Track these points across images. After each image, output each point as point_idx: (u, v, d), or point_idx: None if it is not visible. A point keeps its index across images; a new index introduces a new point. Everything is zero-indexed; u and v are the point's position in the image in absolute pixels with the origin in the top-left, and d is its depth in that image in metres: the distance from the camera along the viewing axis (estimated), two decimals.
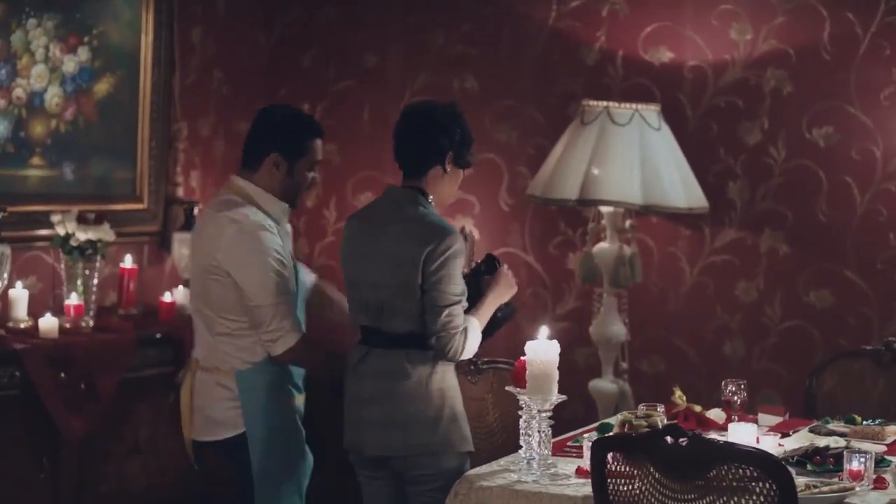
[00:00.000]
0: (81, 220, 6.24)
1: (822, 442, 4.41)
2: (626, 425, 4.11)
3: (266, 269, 4.57)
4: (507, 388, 4.27)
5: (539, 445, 4.15)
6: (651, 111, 6.34)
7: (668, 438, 3.47)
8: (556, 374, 4.18)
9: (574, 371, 6.64)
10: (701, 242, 6.79)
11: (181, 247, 6.78)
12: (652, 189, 6.20)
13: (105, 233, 6.26)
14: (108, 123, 6.71)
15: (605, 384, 6.45)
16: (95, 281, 6.26)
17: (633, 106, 6.32)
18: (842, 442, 4.42)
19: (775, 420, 4.96)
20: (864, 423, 4.80)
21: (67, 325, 6.01)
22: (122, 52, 6.77)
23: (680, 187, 6.29)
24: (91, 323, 6.15)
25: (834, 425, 4.79)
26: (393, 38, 7.41)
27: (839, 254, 6.56)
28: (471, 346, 4.37)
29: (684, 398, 4.95)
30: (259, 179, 4.74)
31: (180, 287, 6.69)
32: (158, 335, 6.32)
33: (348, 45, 7.49)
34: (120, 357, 6.06)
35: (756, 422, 4.91)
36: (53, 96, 6.42)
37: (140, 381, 6.20)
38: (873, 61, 6.46)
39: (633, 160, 6.22)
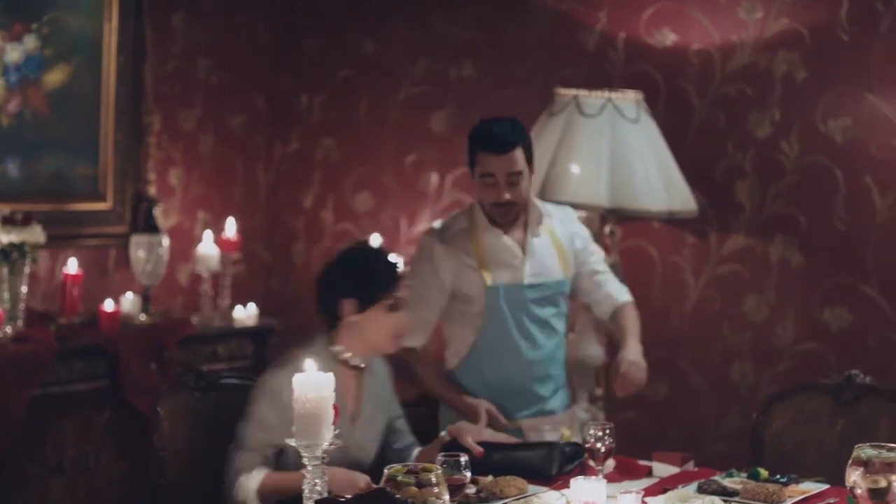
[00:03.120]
0: (7, 220, 5.76)
1: (698, 502, 3.63)
2: (392, 482, 3.37)
3: None
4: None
5: None
6: (628, 101, 5.54)
7: None
8: (329, 414, 3.48)
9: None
10: (706, 251, 5.97)
11: (138, 250, 6.26)
12: (622, 189, 5.41)
13: (33, 235, 5.75)
14: (63, 116, 6.21)
15: (577, 413, 5.65)
16: (24, 287, 5.76)
17: (606, 94, 5.53)
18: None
19: (671, 470, 4.16)
20: (775, 479, 3.97)
21: None
22: (81, 40, 6.26)
23: (659, 187, 5.48)
24: (10, 332, 5.65)
25: (731, 480, 3.96)
26: (393, 22, 6.75)
27: (857, 266, 5.67)
28: None
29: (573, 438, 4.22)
30: None
31: (129, 294, 6.17)
32: (88, 347, 5.77)
33: (349, 30, 6.87)
34: (34, 371, 5.53)
35: (649, 471, 4.13)
36: None
37: (66, 396, 5.69)
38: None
39: (602, 156, 5.44)
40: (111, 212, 6.44)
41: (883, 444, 3.49)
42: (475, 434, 4.14)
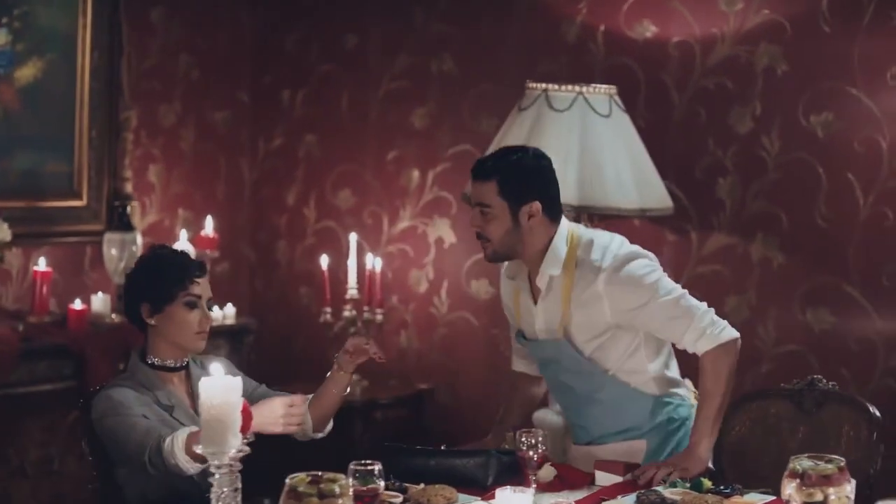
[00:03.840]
0: None
1: None
2: (293, 493, 3.22)
3: None
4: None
5: None
6: (599, 95, 5.37)
7: None
8: (236, 420, 3.33)
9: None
10: (688, 249, 5.79)
11: (111, 248, 6.14)
12: (590, 186, 5.24)
13: (0, 232, 5.66)
14: (35, 112, 6.11)
15: (550, 416, 5.51)
16: None
17: (577, 88, 5.36)
18: None
19: (613, 480, 3.99)
20: (718, 489, 3.79)
21: None
22: (54, 36, 6.16)
23: (630, 185, 5.30)
24: None
25: (672, 491, 3.78)
26: (373, 15, 6.61)
27: (839, 265, 5.48)
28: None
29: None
30: None
31: (99, 294, 6.06)
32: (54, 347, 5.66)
33: (330, 25, 6.73)
34: None
35: (592, 481, 3.97)
36: None
37: (29, 396, 5.59)
38: (879, 34, 5.37)
39: (570, 152, 5.26)
40: (86, 209, 6.33)
41: (822, 454, 3.31)
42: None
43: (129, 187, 6.40)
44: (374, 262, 6.32)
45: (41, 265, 5.94)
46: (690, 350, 4.13)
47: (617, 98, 5.43)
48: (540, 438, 3.72)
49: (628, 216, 5.43)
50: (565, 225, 4.19)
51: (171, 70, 6.67)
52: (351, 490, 3.26)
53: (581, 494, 3.86)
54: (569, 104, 5.33)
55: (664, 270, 5.70)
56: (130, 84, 6.41)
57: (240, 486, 3.43)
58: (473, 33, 6.31)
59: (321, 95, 6.76)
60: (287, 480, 3.18)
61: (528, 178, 4.12)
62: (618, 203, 5.26)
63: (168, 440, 3.75)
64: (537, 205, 4.11)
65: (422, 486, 3.78)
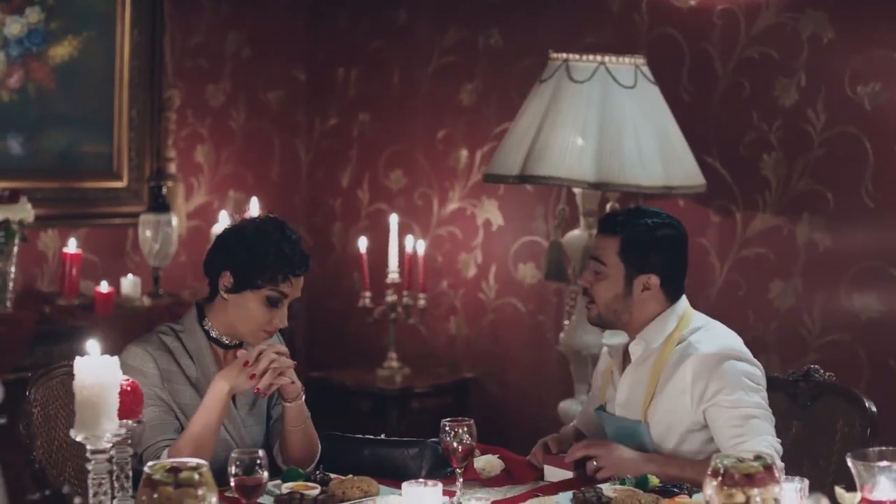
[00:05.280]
0: None
1: None
2: (148, 481, 2.98)
3: None
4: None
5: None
6: (623, 65, 5.03)
7: None
8: (113, 402, 3.13)
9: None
10: (732, 232, 5.41)
11: (146, 229, 5.99)
12: (609, 162, 4.91)
13: (22, 212, 5.55)
14: (71, 91, 6.00)
15: (575, 407, 5.18)
16: (13, 267, 5.56)
17: (598, 58, 5.03)
18: None
19: (563, 475, 3.67)
20: (665, 488, 3.46)
21: None
22: (90, 13, 6.04)
23: (654, 160, 4.96)
24: None
25: (613, 489, 3.45)
26: None
27: (888, 249, 5.05)
28: None
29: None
30: None
31: (129, 276, 5.92)
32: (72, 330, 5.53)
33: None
34: (3, 355, 5.32)
35: (541, 476, 3.68)
36: None
37: None
38: None
39: (588, 125, 4.95)
40: (126, 190, 6.22)
41: (750, 451, 2.96)
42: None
43: (173, 167, 6.26)
44: (415, 245, 6.07)
45: (70, 247, 5.81)
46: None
47: (644, 68, 5.10)
48: (465, 428, 3.42)
49: (650, 194, 5.07)
50: (683, 305, 3.79)
51: (218, 48, 6.50)
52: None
53: (523, 490, 3.58)
54: (589, 75, 5.01)
55: (709, 253, 5.40)
56: (174, 62, 6.26)
57: (129, 473, 3.23)
58: (520, 3, 6.01)
59: (373, 73, 6.54)
60: (146, 469, 2.95)
61: (654, 247, 3.74)
62: (637, 179, 4.92)
63: (165, 452, 3.55)
64: (655, 279, 3.73)
65: (350, 476, 3.53)
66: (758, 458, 2.89)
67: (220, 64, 6.51)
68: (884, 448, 2.85)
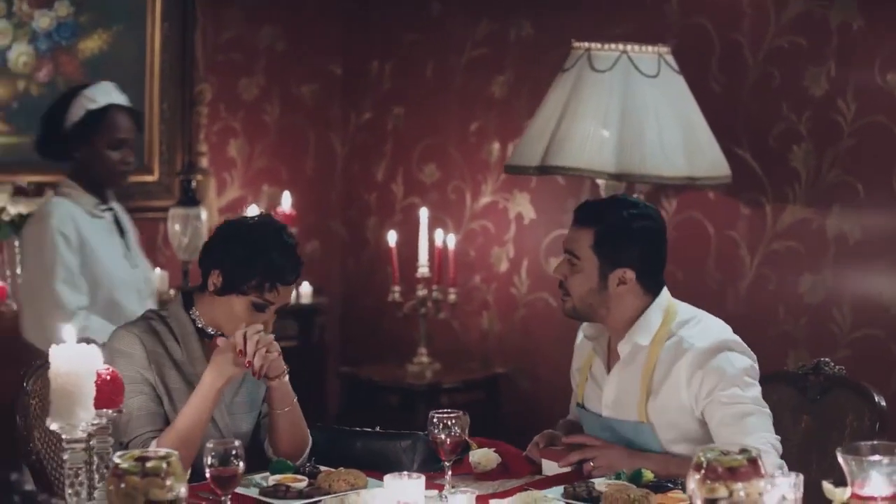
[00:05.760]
0: (20, 191, 5.58)
1: None
2: (115, 469, 2.94)
3: None
4: None
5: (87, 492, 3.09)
6: (646, 54, 4.94)
7: None
8: (89, 391, 3.08)
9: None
10: (762, 224, 5.30)
11: (174, 223, 5.97)
12: (630, 153, 4.81)
13: None
14: None
15: None
16: None
17: (621, 47, 4.94)
18: None
19: (558, 470, 3.59)
20: (658, 483, 3.38)
21: None
22: (120, 6, 6.05)
23: (677, 150, 4.86)
24: (14, 307, 5.45)
25: (604, 483, 3.37)
26: None
27: None
28: None
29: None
30: None
31: (158, 270, 5.91)
32: None
33: None
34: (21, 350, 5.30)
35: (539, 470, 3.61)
36: (20, 55, 5.80)
37: None
38: None
39: (609, 115, 4.86)
40: (157, 184, 6.21)
41: (735, 444, 2.85)
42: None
43: (204, 162, 6.24)
44: (445, 239, 6.01)
45: None
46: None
47: (668, 57, 5.00)
48: (454, 420, 3.34)
49: (672, 184, 4.97)
50: (665, 297, 3.67)
51: (251, 42, 6.47)
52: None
53: (517, 484, 3.50)
54: (611, 64, 4.92)
55: (739, 247, 5.29)
56: (205, 57, 6.24)
57: (109, 463, 3.19)
58: None
59: (407, 66, 6.48)
60: (115, 459, 2.90)
61: (629, 240, 3.60)
62: (659, 170, 4.82)
63: (153, 444, 3.51)
64: (631, 273, 3.60)
65: (339, 469, 3.47)
66: (743, 451, 2.78)
67: (254, 58, 6.49)
68: (876, 442, 2.74)
